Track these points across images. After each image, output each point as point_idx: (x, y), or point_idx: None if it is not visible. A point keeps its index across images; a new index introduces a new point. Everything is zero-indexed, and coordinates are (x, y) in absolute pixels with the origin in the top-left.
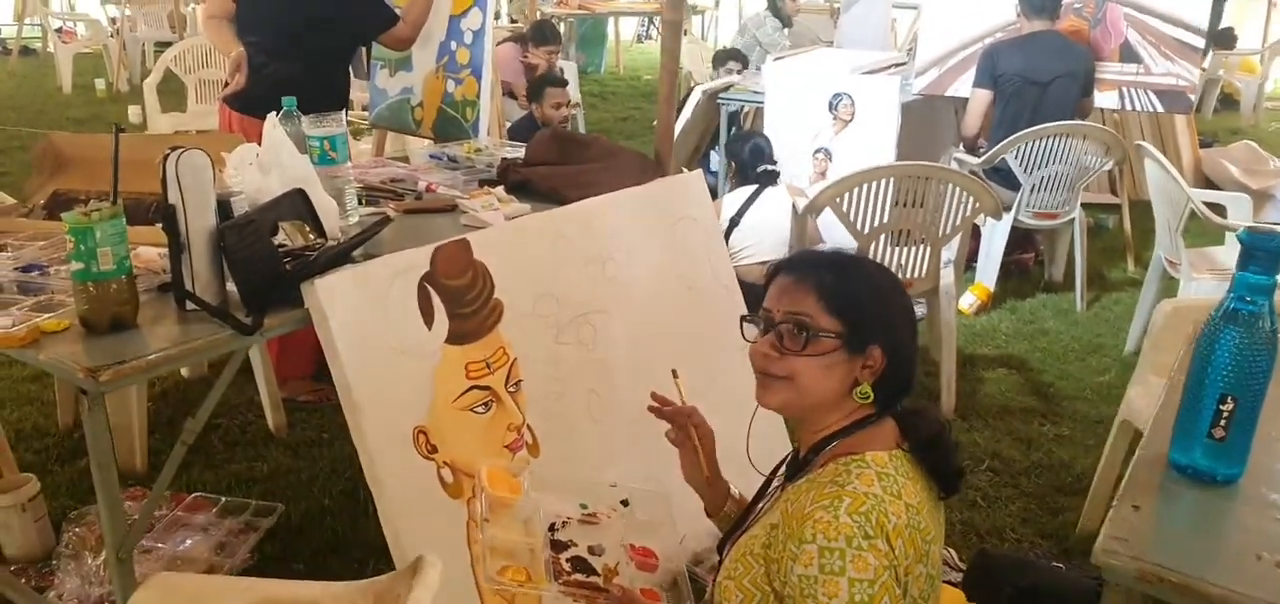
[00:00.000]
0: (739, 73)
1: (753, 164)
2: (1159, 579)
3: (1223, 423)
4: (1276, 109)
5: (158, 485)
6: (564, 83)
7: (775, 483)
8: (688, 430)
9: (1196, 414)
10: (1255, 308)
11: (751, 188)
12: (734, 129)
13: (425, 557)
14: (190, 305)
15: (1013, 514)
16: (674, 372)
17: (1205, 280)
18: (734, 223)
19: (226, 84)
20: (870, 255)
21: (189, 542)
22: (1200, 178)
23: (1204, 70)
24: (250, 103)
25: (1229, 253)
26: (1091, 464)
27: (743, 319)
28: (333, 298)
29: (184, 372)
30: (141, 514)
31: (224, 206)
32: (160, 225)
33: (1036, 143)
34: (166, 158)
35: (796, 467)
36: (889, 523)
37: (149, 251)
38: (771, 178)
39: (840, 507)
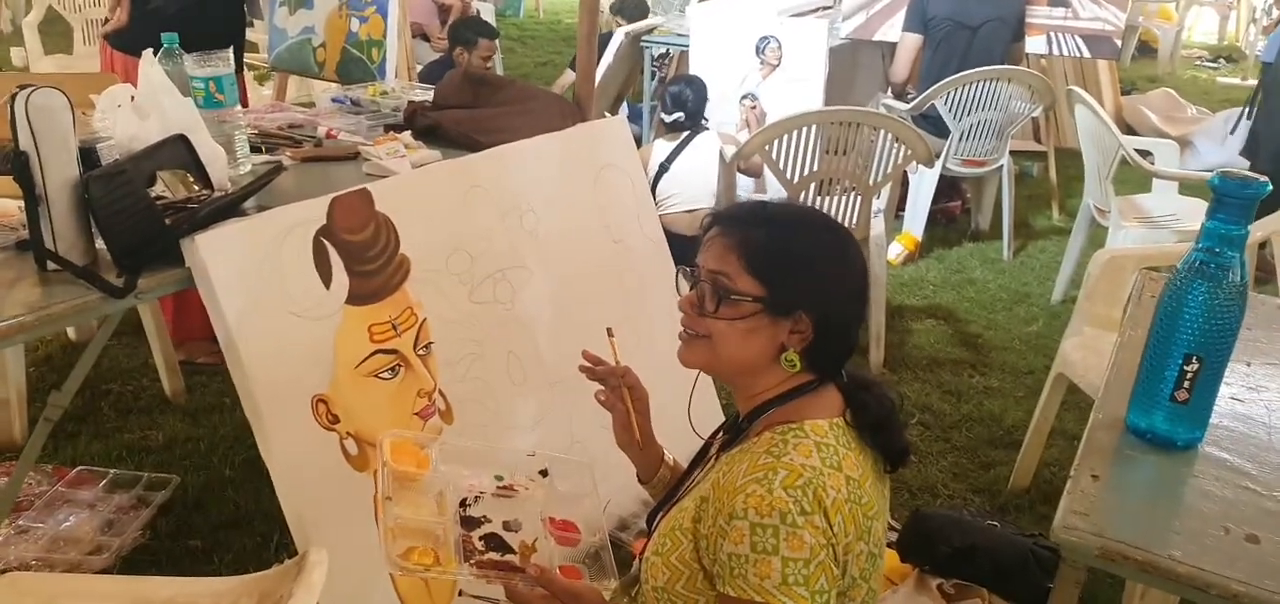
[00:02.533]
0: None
1: (672, 111)
2: (1123, 557)
3: (1187, 384)
4: (1191, 57)
5: (22, 460)
6: (497, 34)
7: (711, 452)
8: (621, 392)
9: (1159, 376)
10: (1225, 261)
11: (681, 135)
12: (657, 75)
13: (311, 552)
14: (52, 265)
15: (944, 469)
16: (609, 330)
17: (1134, 228)
18: (663, 169)
19: (107, 20)
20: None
21: (72, 520)
22: (1121, 125)
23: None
24: (133, 40)
25: (1156, 201)
26: (1021, 416)
27: (679, 269)
28: (217, 255)
29: (71, 333)
30: (2, 496)
31: (90, 154)
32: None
33: (966, 88)
34: (14, 98)
35: (732, 435)
36: (827, 498)
37: (5, 204)
38: (696, 124)
39: (775, 480)
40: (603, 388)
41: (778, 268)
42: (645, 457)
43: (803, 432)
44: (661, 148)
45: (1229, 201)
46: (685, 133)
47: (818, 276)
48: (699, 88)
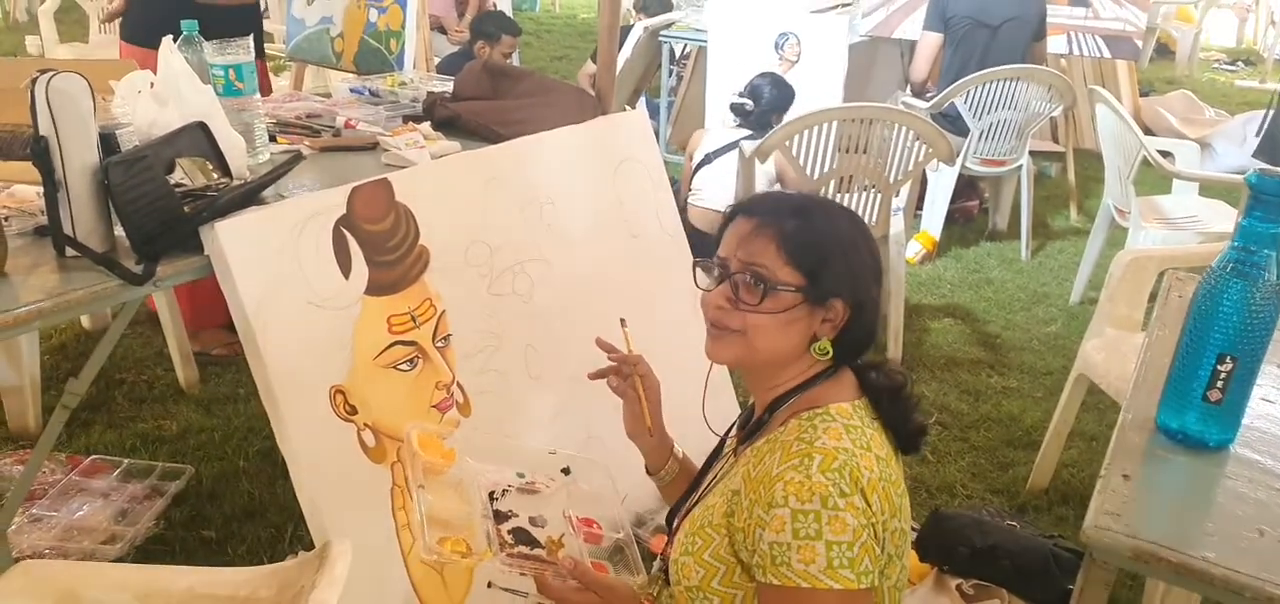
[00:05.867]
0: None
1: (742, 96)
2: (1156, 558)
3: (1220, 384)
4: (1209, 59)
5: (38, 449)
6: (520, 31)
7: (728, 447)
8: (633, 381)
9: (1192, 375)
10: (1261, 260)
11: (735, 134)
12: (674, 71)
13: (333, 544)
14: (70, 251)
15: (962, 469)
16: (622, 320)
17: (1154, 229)
18: (707, 160)
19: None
20: None
21: (85, 509)
22: (1139, 126)
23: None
24: (140, 30)
25: (1176, 202)
26: (1040, 417)
27: (696, 264)
28: (236, 243)
29: (85, 322)
30: (17, 485)
31: (109, 140)
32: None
33: (986, 87)
34: (35, 82)
35: (752, 427)
36: (863, 477)
37: (25, 190)
38: (761, 126)
39: (812, 465)
40: (615, 376)
41: (816, 257)
42: (655, 447)
43: (829, 416)
44: (713, 138)
45: (1267, 200)
46: (742, 132)
47: (851, 260)
48: (784, 91)
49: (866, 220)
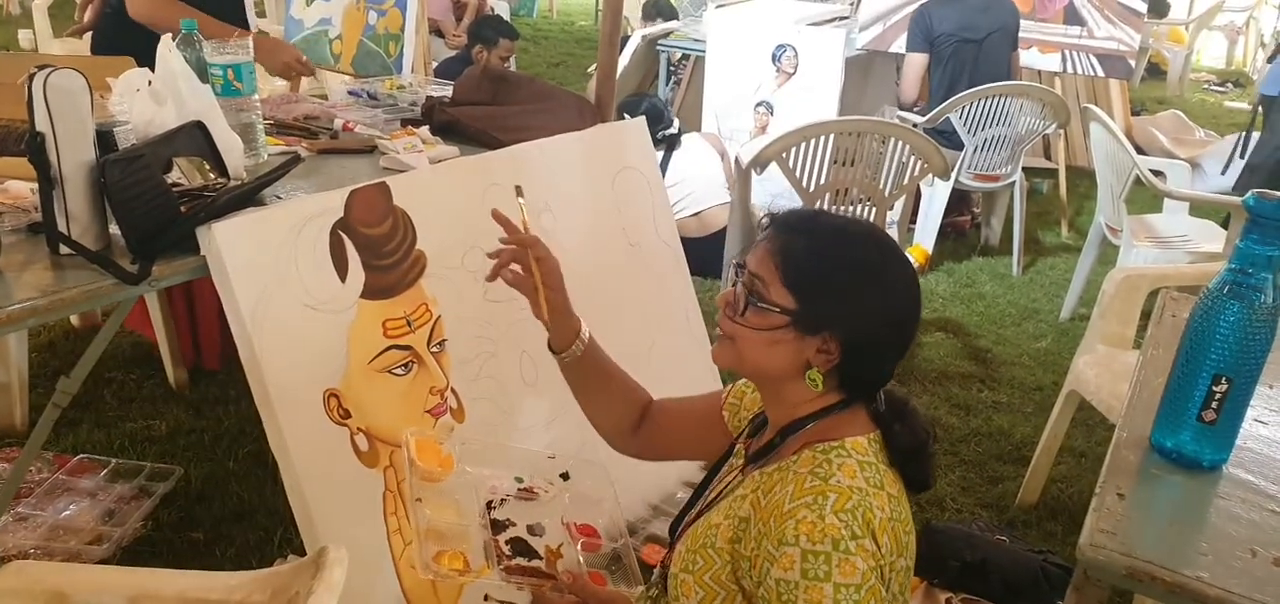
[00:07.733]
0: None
1: (652, 129)
2: (1150, 577)
3: (1215, 405)
4: (1200, 80)
5: (28, 448)
6: (518, 36)
7: (734, 457)
8: (529, 265)
9: (1187, 395)
10: (1258, 282)
11: (659, 152)
12: (672, 79)
13: (330, 549)
14: (65, 249)
15: (953, 483)
16: (517, 188)
17: (1145, 248)
18: None
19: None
20: None
21: (72, 509)
22: (1131, 145)
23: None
24: (106, 47)
25: (1167, 221)
26: (1030, 432)
27: (732, 263)
28: (233, 244)
29: (74, 320)
30: (5, 484)
31: (107, 138)
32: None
33: (981, 103)
34: (32, 78)
35: (762, 448)
36: (875, 519)
37: (19, 186)
38: (675, 141)
39: (826, 505)
40: (510, 267)
41: (812, 284)
42: (558, 328)
43: (845, 451)
44: None
45: (1264, 222)
46: (661, 151)
47: (851, 300)
48: (651, 108)
49: None
